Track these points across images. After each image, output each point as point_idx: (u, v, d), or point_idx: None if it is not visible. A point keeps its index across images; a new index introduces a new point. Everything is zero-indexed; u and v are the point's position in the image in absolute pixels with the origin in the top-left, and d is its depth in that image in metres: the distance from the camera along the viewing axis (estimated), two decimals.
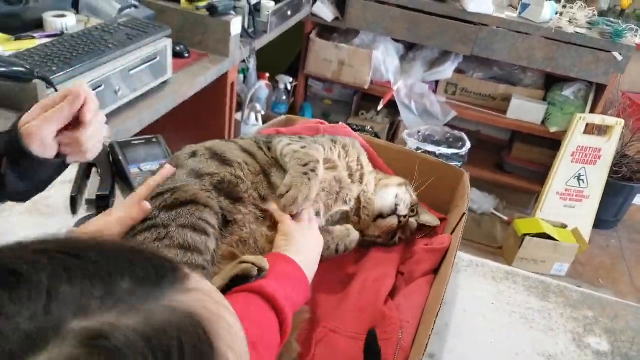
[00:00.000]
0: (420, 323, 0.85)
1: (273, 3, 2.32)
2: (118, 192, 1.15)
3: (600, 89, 2.88)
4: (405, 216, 1.03)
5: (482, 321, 1.00)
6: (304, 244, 0.82)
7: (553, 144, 3.00)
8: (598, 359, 0.96)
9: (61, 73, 1.31)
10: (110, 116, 1.50)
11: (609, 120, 2.74)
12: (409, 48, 3.24)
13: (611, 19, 2.83)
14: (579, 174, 2.83)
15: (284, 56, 3.34)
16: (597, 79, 2.82)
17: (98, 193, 1.09)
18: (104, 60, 1.44)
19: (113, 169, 1.19)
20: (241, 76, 2.93)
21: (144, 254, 0.37)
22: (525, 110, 3.03)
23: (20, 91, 1.30)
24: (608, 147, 2.78)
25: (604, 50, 2.71)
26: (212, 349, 0.34)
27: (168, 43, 1.67)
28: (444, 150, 2.85)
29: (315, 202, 0.91)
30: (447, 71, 3.07)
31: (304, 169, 0.87)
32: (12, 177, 0.77)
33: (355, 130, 1.17)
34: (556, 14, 2.80)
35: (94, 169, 1.18)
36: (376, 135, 2.73)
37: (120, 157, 1.19)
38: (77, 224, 1.04)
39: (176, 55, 1.83)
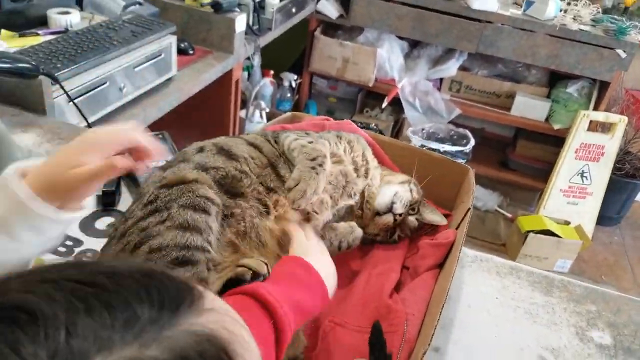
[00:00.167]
0: (425, 316, 0.86)
1: (277, 0, 2.32)
2: (124, 189, 1.15)
3: (603, 86, 2.88)
4: (401, 215, 1.02)
5: (487, 316, 1.00)
6: (319, 259, 0.79)
7: (557, 141, 2.99)
8: (601, 353, 0.96)
9: (66, 70, 1.32)
10: (114, 113, 1.50)
11: (613, 117, 2.74)
12: (414, 45, 3.24)
13: (615, 17, 2.83)
14: (583, 170, 2.83)
15: (288, 53, 3.34)
16: (600, 76, 2.81)
17: (104, 189, 1.10)
18: (108, 57, 1.45)
19: None
20: (245, 73, 2.93)
21: (157, 276, 0.35)
22: (529, 107, 3.03)
23: (26, 87, 1.31)
24: (611, 144, 2.77)
25: (607, 48, 2.71)
26: None
27: (172, 40, 1.68)
28: (448, 147, 2.85)
29: (323, 195, 0.91)
30: (451, 69, 3.07)
31: (312, 163, 0.88)
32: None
33: (360, 128, 1.18)
34: (560, 11, 2.80)
35: None
36: (381, 133, 2.73)
37: None
38: (82, 221, 1.04)
39: (181, 52, 1.84)
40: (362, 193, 1.02)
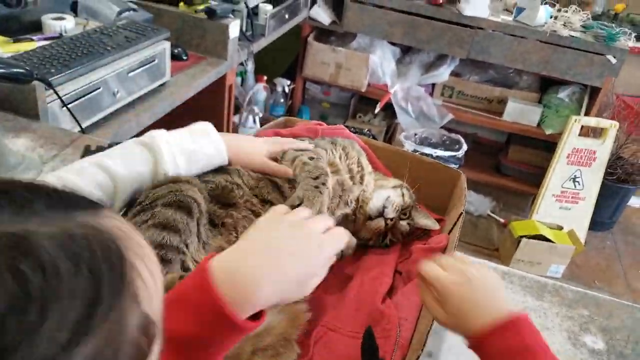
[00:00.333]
0: (418, 321, 0.86)
1: (271, 6, 2.33)
2: None
3: (594, 91, 2.91)
4: (392, 219, 1.02)
5: None
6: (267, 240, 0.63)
7: (549, 146, 3.01)
8: (593, 358, 0.97)
9: (59, 75, 1.32)
10: (108, 118, 1.50)
11: (604, 122, 2.76)
12: (406, 51, 3.26)
13: (605, 23, 2.86)
14: (575, 175, 2.85)
15: (281, 59, 3.35)
16: (591, 81, 2.84)
17: None
18: (102, 62, 1.45)
19: None
20: (239, 79, 2.94)
21: (63, 191, 0.38)
22: (521, 112, 3.05)
23: (19, 93, 1.30)
24: (603, 149, 2.80)
25: (598, 54, 2.73)
26: (123, 258, 0.34)
27: (166, 46, 1.68)
28: (440, 152, 2.86)
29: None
30: (443, 74, 3.08)
31: (315, 182, 0.87)
32: None
33: (352, 133, 1.18)
34: (551, 17, 2.83)
35: None
36: (374, 138, 2.73)
37: None
38: None
39: (174, 57, 1.84)
40: (357, 199, 1.02)
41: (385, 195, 1.03)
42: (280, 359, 0.77)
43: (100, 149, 1.19)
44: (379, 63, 3.07)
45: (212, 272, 0.55)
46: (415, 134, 3.00)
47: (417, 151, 2.75)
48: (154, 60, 1.63)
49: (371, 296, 0.92)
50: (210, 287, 0.54)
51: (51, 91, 1.28)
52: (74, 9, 1.78)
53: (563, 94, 2.96)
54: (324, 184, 0.88)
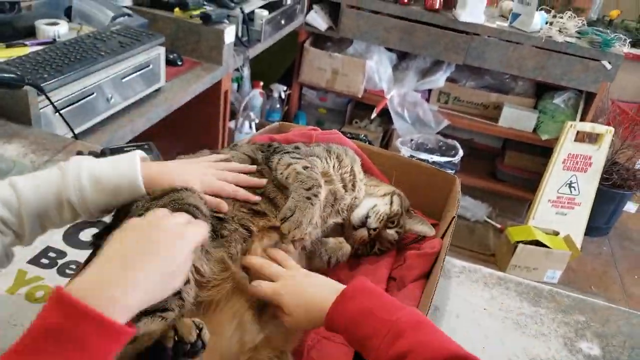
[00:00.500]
0: None
1: (267, 12, 2.33)
2: None
3: (590, 97, 2.91)
4: (375, 229, 1.00)
5: (475, 327, 1.00)
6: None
7: (545, 151, 3.02)
8: None
9: (52, 80, 1.31)
10: (102, 124, 1.50)
11: (599, 128, 2.77)
12: (402, 57, 3.26)
13: (600, 29, 2.87)
14: (570, 181, 2.85)
15: (278, 65, 3.35)
16: (587, 87, 2.85)
17: None
18: (96, 67, 1.44)
19: None
20: (235, 84, 2.94)
21: None
22: (517, 118, 3.06)
23: (11, 98, 1.29)
24: (598, 154, 2.80)
25: (593, 59, 2.74)
26: None
27: (161, 51, 1.68)
28: (437, 158, 2.86)
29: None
30: (439, 80, 3.09)
31: (307, 193, 0.85)
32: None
33: (349, 138, 1.17)
34: (546, 23, 2.84)
35: None
36: (370, 144, 2.73)
37: None
38: (66, 233, 1.03)
39: (169, 63, 1.84)
40: (348, 207, 1.01)
41: (371, 204, 1.01)
42: None
43: (93, 154, 1.18)
44: (376, 69, 3.08)
45: (69, 292, 0.51)
46: (412, 140, 3.00)
47: (414, 157, 2.75)
48: (148, 66, 1.63)
49: None
50: (71, 300, 0.50)
51: (44, 97, 1.27)
52: (68, 14, 1.78)
53: (559, 99, 2.97)
54: (316, 195, 0.86)
